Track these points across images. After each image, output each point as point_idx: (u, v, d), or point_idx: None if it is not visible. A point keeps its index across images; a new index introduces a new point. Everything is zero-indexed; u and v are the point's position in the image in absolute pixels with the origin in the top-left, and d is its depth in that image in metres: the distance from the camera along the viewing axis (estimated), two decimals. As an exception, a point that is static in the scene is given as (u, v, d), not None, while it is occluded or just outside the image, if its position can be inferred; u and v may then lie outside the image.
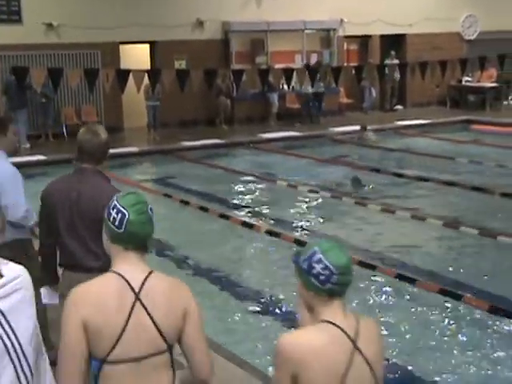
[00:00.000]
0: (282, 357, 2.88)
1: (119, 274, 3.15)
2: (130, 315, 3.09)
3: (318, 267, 2.89)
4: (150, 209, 3.23)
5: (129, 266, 3.17)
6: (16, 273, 2.76)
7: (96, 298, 3.11)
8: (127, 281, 3.13)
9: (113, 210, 3.18)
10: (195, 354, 3.25)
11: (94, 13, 19.97)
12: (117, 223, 3.15)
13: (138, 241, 3.18)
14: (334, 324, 2.91)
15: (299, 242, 10.26)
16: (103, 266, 4.66)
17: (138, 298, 3.12)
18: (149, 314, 3.11)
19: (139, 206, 3.18)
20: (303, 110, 22.67)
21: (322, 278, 2.88)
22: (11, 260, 5.51)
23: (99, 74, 15.43)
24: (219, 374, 5.98)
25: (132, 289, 3.13)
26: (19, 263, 5.30)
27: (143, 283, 3.14)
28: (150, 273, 3.19)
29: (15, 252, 5.60)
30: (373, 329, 3.06)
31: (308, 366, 2.84)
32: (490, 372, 6.55)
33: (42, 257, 5.13)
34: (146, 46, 21.58)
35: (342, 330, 2.90)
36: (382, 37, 25.01)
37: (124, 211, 3.15)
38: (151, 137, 20.10)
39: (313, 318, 2.99)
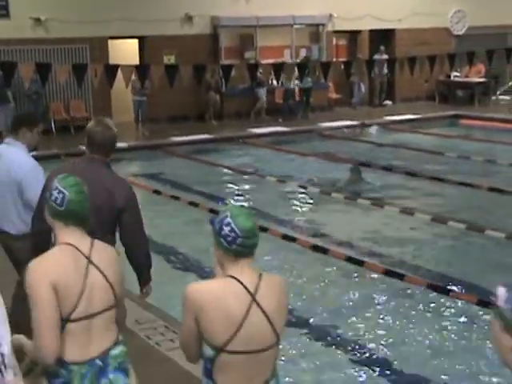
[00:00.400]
0: (187, 302, 3.34)
1: (70, 244, 3.61)
2: (86, 276, 3.57)
3: (226, 229, 3.32)
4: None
5: (73, 238, 3.64)
6: None
7: (57, 265, 3.55)
8: (77, 248, 3.61)
9: (54, 190, 3.64)
10: (122, 302, 3.95)
11: (82, 7, 19.91)
12: (58, 202, 3.61)
13: (77, 217, 3.65)
14: (236, 279, 3.32)
15: (287, 237, 10.32)
16: None
17: (89, 260, 3.62)
18: (102, 273, 3.62)
19: (78, 187, 3.66)
20: (284, 105, 22.68)
21: (229, 239, 3.31)
22: (26, 250, 5.63)
23: (88, 69, 15.39)
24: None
25: (83, 254, 3.61)
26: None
27: (90, 249, 3.66)
28: (92, 241, 3.72)
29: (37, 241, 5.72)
30: (276, 286, 3.45)
31: (207, 311, 3.27)
32: (477, 365, 6.61)
33: (35, 244, 5.12)
34: (135, 41, 21.54)
35: (243, 284, 3.31)
36: (371, 32, 25.03)
37: (64, 191, 3.61)
38: (139, 132, 20.09)
39: (223, 273, 3.41)
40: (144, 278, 5.14)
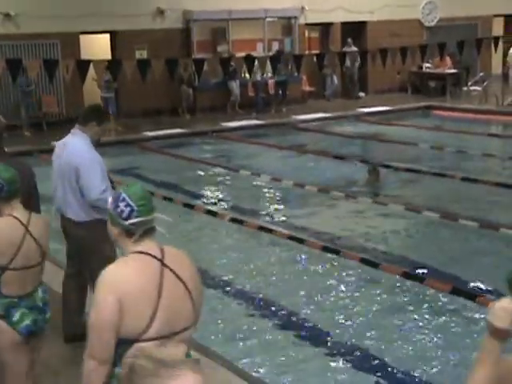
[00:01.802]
0: None
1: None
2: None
3: None
4: None
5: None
6: None
7: None
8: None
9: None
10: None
11: (53, 2, 19.78)
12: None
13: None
14: (12, 216, 4.56)
15: (262, 229, 10.36)
16: None
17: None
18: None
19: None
20: (258, 98, 22.65)
21: None
22: (83, 238, 6.20)
23: (59, 65, 15.31)
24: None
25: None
26: (92, 242, 6.07)
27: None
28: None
29: (89, 231, 6.12)
30: (43, 222, 4.78)
31: None
32: (450, 352, 6.69)
33: None
34: (107, 36, 21.43)
35: (17, 219, 4.56)
36: (343, 24, 25.07)
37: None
38: (111, 128, 19.89)
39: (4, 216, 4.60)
40: None
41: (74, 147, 6.25)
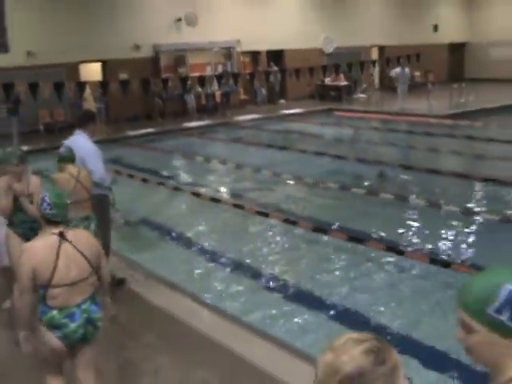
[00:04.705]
0: None
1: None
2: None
3: None
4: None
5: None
6: None
7: None
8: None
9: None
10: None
11: (59, 41, 19.10)
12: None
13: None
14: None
15: (214, 200, 10.27)
16: None
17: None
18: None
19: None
20: (208, 106, 22.39)
21: None
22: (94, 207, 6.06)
23: (65, 86, 14.93)
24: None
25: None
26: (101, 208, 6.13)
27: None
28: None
29: (98, 202, 6.14)
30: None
31: None
32: (375, 301, 6.42)
33: None
34: (99, 64, 20.85)
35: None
36: (268, 52, 24.89)
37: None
38: (102, 130, 19.34)
39: None
40: None
41: (80, 142, 6.15)
